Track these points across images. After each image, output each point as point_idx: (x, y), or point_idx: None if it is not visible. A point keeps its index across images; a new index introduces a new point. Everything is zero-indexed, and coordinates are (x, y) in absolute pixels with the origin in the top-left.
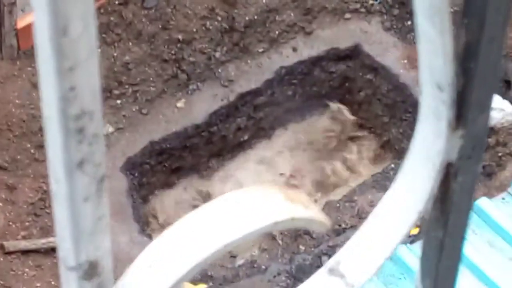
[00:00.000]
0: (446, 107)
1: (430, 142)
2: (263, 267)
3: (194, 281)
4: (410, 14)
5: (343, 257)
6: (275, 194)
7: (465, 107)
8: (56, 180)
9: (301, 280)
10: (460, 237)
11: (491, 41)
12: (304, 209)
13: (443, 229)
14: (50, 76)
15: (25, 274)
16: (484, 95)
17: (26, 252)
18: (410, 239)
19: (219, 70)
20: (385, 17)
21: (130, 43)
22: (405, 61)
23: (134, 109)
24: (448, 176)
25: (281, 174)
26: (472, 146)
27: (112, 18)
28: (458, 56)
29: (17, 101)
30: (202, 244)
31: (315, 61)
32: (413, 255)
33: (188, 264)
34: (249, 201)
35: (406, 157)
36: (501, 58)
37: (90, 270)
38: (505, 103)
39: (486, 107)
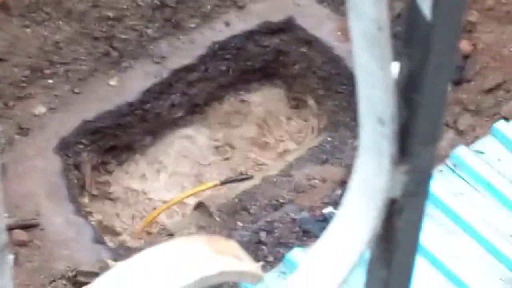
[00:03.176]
0: (388, 142)
1: (370, 179)
2: None
3: None
4: None
5: None
6: (201, 247)
7: (409, 141)
8: None
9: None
10: (406, 278)
11: (438, 70)
12: (234, 261)
13: (387, 269)
14: None
15: None
16: (430, 128)
17: None
18: None
19: (151, 47)
20: None
21: (60, 22)
22: (339, 33)
23: (66, 89)
24: (392, 213)
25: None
26: (417, 182)
27: None
28: (401, 87)
29: None
30: None
31: (248, 36)
32: None
33: None
34: (173, 257)
35: (345, 195)
36: (448, 87)
37: None
38: None
39: (432, 140)
